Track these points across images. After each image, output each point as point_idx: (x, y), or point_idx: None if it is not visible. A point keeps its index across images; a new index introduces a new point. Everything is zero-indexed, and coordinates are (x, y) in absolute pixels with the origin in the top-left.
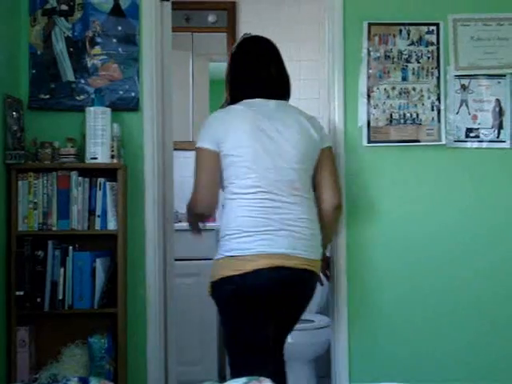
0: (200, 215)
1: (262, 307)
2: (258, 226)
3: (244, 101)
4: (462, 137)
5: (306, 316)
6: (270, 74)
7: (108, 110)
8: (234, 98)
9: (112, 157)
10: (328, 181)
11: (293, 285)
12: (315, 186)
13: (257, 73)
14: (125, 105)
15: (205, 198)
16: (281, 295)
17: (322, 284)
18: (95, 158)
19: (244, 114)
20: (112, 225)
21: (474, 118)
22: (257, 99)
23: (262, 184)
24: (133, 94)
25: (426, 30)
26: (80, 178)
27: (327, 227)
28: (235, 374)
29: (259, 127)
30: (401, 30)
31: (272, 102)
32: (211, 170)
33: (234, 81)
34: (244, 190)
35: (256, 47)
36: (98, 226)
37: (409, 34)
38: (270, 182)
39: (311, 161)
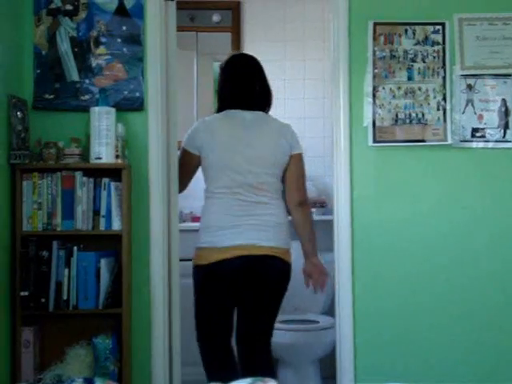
0: None
1: (227, 295)
2: (227, 221)
3: (226, 111)
4: (468, 137)
5: (310, 317)
6: (253, 89)
7: (112, 109)
8: (220, 108)
9: (116, 157)
10: (294, 183)
11: (256, 269)
12: (284, 188)
13: (241, 87)
14: (129, 105)
15: (180, 185)
16: (246, 280)
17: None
18: (100, 158)
19: (222, 123)
20: (116, 225)
21: (480, 117)
22: (237, 110)
23: (232, 185)
24: (137, 94)
25: (432, 29)
26: (84, 178)
27: (298, 225)
28: (205, 367)
29: (234, 135)
30: (406, 30)
31: (249, 113)
32: (185, 167)
33: (221, 93)
34: (217, 190)
35: (242, 64)
36: (102, 227)
37: (414, 34)
38: (240, 184)
39: (280, 166)
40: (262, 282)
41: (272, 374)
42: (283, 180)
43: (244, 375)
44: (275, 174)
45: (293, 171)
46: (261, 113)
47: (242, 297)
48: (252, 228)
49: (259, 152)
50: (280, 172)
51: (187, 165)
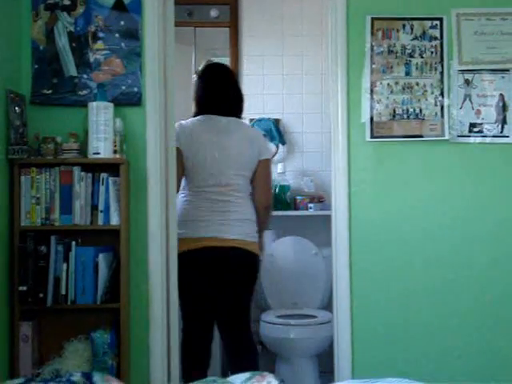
0: None
1: (198, 281)
2: (195, 216)
3: (204, 115)
4: (466, 132)
5: (308, 312)
6: (227, 95)
7: (111, 104)
8: (197, 112)
9: (115, 152)
10: (261, 186)
11: (222, 259)
12: (252, 189)
13: (216, 93)
14: (127, 100)
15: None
16: (214, 269)
17: None
18: (98, 153)
19: (198, 126)
20: (115, 220)
21: (478, 112)
22: (213, 115)
23: (204, 184)
24: (135, 89)
25: (430, 24)
26: (83, 173)
27: (260, 221)
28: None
29: (208, 138)
30: (404, 25)
31: (224, 118)
32: (178, 163)
33: (199, 99)
34: (191, 189)
35: (217, 72)
36: (100, 222)
37: (412, 29)
38: (211, 184)
39: (249, 169)
40: (227, 271)
41: (253, 362)
42: (252, 182)
43: (230, 365)
44: (244, 176)
45: (261, 175)
46: (234, 118)
47: (213, 284)
48: (216, 223)
49: (231, 155)
50: (249, 174)
51: (177, 161)
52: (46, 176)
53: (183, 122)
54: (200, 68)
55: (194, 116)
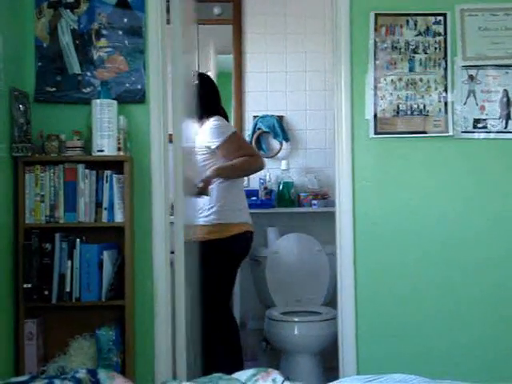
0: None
1: (234, 261)
2: (236, 201)
3: (219, 116)
4: (470, 128)
5: (312, 308)
6: (220, 100)
7: (114, 102)
8: (210, 114)
9: (118, 149)
10: None
11: (250, 241)
12: None
13: (219, 99)
14: (131, 97)
15: (259, 158)
16: (246, 248)
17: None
18: (102, 151)
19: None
20: (119, 217)
21: (482, 108)
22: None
23: None
24: (139, 87)
25: (434, 20)
26: (87, 170)
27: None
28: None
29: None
30: (408, 21)
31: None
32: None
33: (212, 102)
34: None
35: (212, 82)
36: (105, 219)
37: (416, 25)
38: None
39: None
40: (249, 248)
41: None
42: None
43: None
44: None
45: None
46: None
47: (236, 265)
48: (246, 209)
49: None
50: None
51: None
52: (51, 173)
53: (218, 118)
54: (197, 76)
55: (202, 117)
